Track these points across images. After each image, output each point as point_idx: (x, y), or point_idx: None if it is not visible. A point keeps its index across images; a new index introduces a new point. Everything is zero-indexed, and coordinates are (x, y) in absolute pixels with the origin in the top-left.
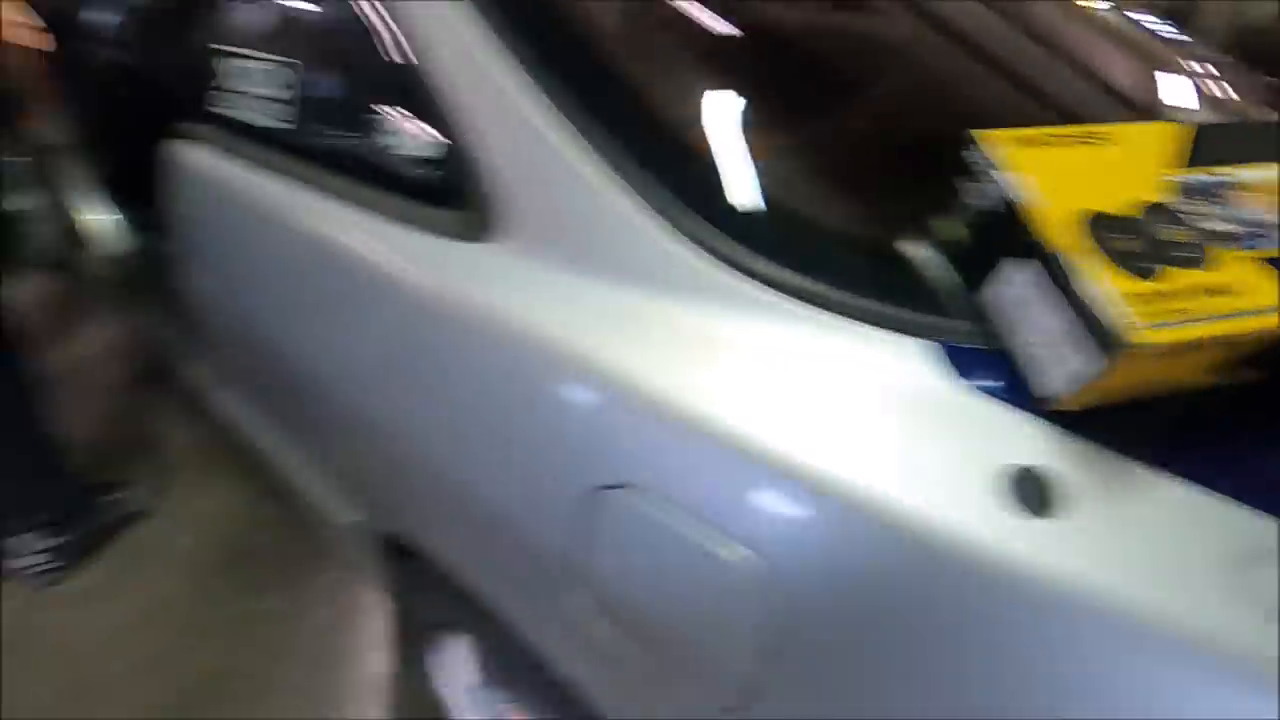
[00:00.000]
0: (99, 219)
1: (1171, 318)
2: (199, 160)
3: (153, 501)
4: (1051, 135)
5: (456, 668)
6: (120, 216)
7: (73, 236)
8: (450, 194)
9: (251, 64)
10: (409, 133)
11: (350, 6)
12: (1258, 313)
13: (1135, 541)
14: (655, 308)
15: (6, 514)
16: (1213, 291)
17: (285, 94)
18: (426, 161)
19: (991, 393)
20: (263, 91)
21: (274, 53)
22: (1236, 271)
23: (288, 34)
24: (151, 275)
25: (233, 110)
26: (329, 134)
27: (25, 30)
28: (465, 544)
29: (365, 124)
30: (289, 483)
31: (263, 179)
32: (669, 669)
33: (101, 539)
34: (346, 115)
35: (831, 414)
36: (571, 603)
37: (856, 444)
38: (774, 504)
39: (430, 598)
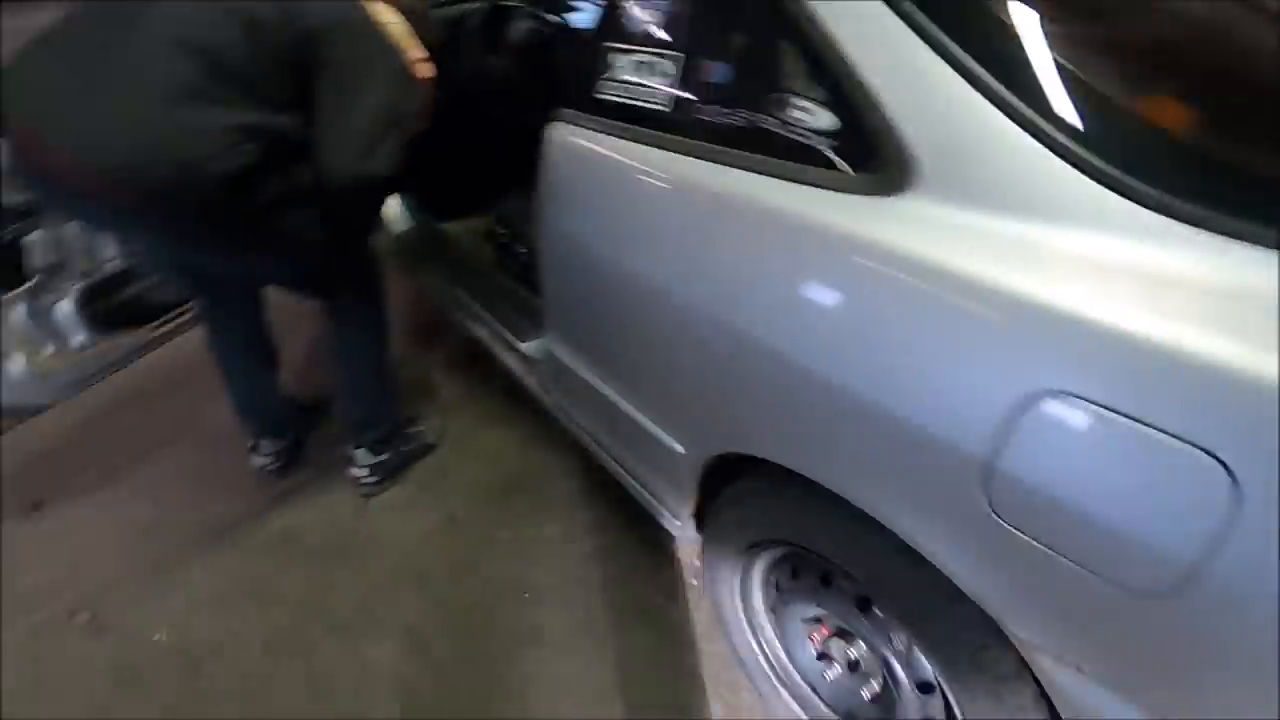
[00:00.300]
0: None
1: None
2: (584, 140)
3: (440, 437)
4: None
5: (759, 585)
6: (404, 200)
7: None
8: (858, 156)
9: (640, 57)
10: (805, 105)
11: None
12: None
13: None
14: (1071, 238)
15: (352, 431)
16: None
17: (675, 81)
18: (826, 131)
19: None
20: (651, 81)
21: (660, 47)
22: None
23: (671, 28)
24: (432, 248)
25: (619, 96)
26: (725, 113)
27: (425, 64)
28: (849, 458)
29: (761, 101)
30: (621, 423)
31: (655, 154)
32: (1087, 560)
33: (407, 463)
34: (742, 95)
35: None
36: (974, 507)
37: None
38: (1234, 412)
39: (751, 515)
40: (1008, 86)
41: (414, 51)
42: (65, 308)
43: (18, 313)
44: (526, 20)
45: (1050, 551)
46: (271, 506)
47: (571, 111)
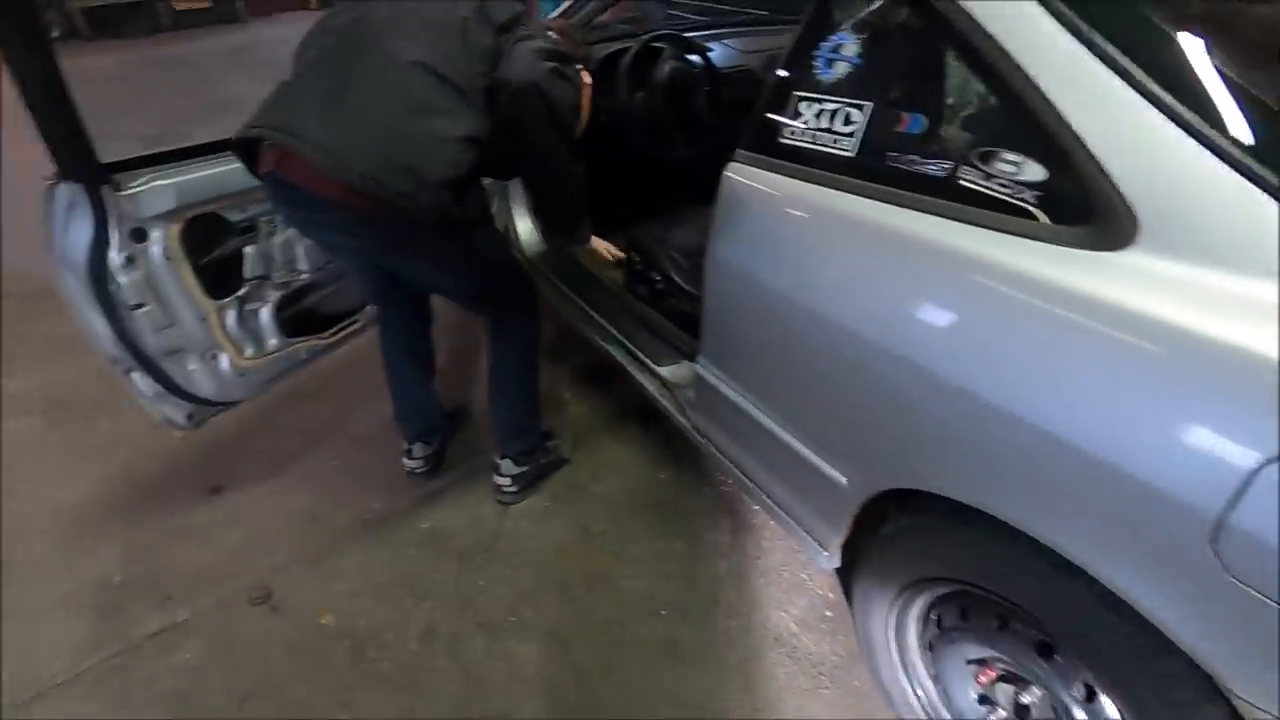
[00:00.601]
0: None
1: None
2: (763, 181)
3: (572, 451)
4: None
5: (916, 621)
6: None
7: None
8: (1067, 207)
9: (827, 105)
10: (1009, 156)
11: (937, 51)
12: None
13: None
14: None
15: (500, 441)
16: None
17: (863, 127)
18: (1032, 182)
19: None
20: (837, 127)
21: (849, 95)
22: None
23: (860, 76)
24: (563, 268)
25: (803, 141)
26: (916, 160)
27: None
28: (1056, 506)
29: (956, 149)
30: (775, 451)
31: (842, 198)
32: None
33: (544, 474)
34: (935, 143)
35: None
36: (1202, 563)
37: None
38: None
39: (921, 552)
40: (1225, 136)
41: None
42: (265, 314)
43: (229, 317)
44: (673, 62)
45: None
46: (420, 506)
47: (751, 154)
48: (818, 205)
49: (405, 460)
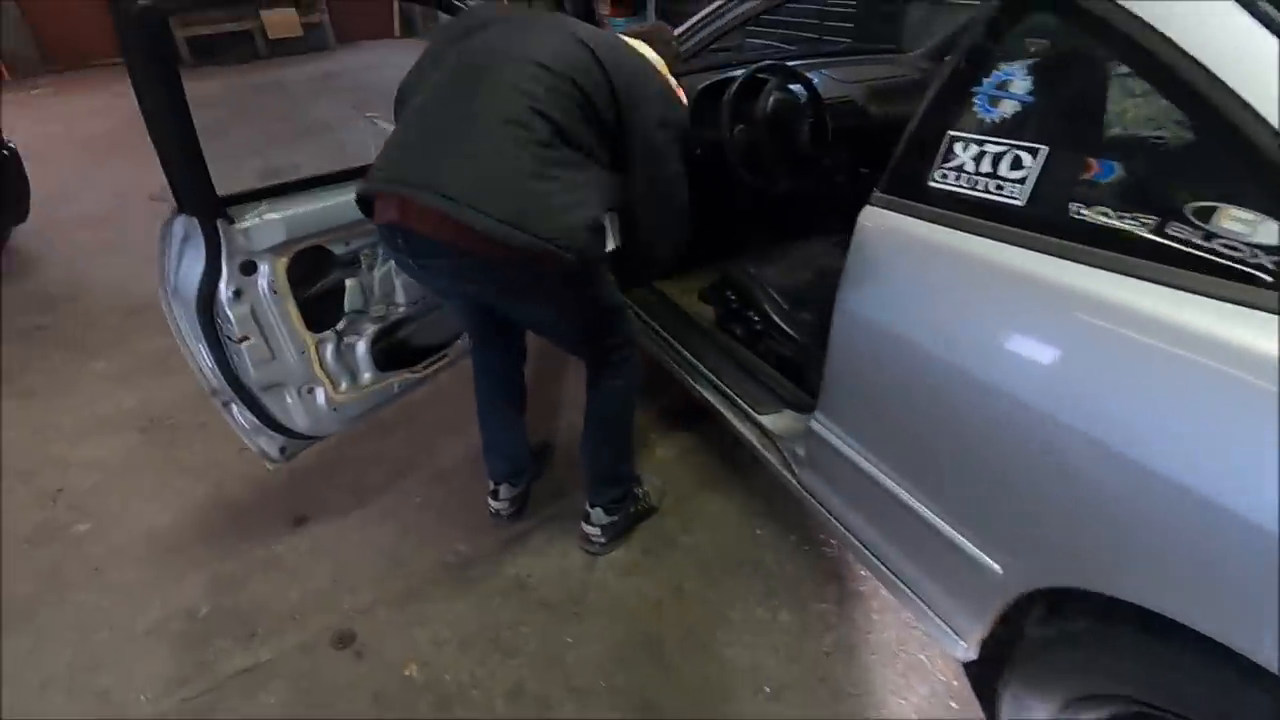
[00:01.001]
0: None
1: None
2: (911, 228)
3: (661, 499)
4: None
5: None
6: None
7: None
8: None
9: (993, 147)
10: (1242, 215)
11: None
12: None
13: None
14: None
15: (591, 487)
16: None
17: (1041, 174)
18: (1268, 245)
19: None
20: (1008, 172)
21: (1025, 138)
22: None
23: (1038, 117)
24: (651, 303)
25: (962, 186)
26: (1111, 215)
27: None
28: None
29: (1162, 203)
30: (910, 526)
31: (1013, 252)
32: None
33: (633, 525)
34: (1133, 195)
35: None
36: None
37: None
38: None
39: (1096, 663)
40: None
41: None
42: (361, 347)
43: (328, 350)
44: (778, 93)
45: None
46: (505, 551)
47: (893, 197)
48: (980, 259)
49: (491, 501)
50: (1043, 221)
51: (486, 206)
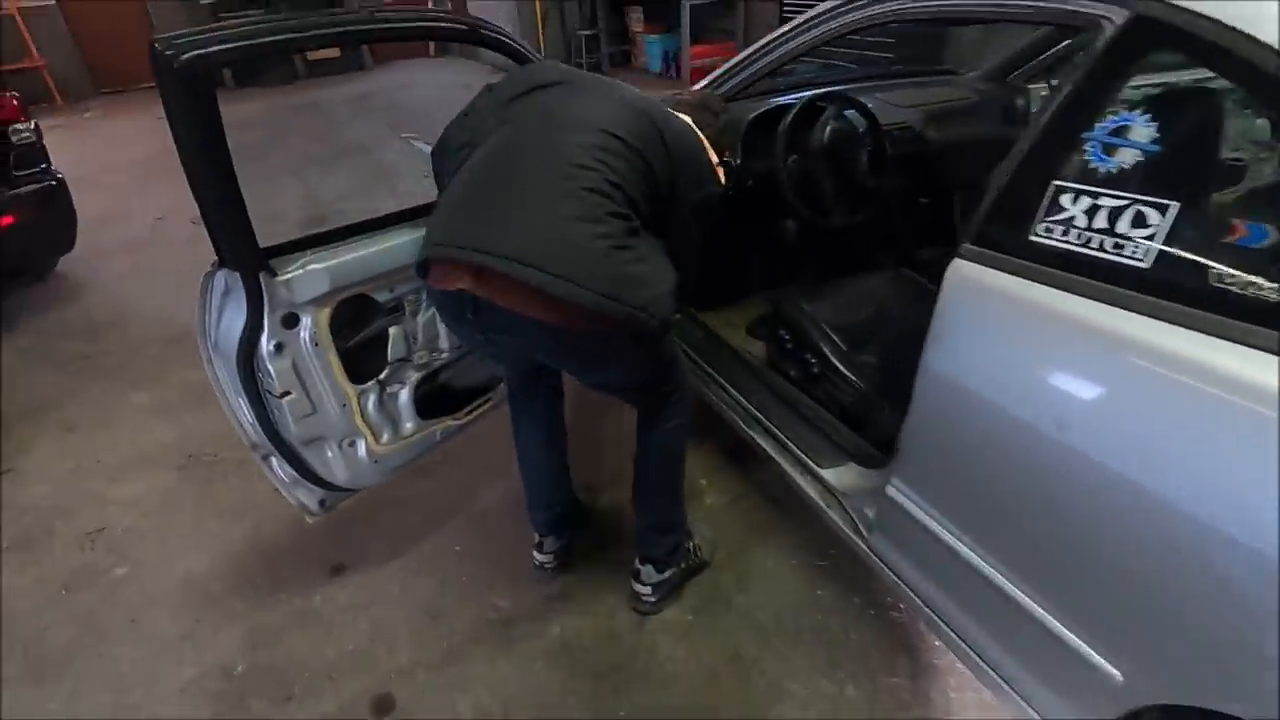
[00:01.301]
0: None
1: None
2: (1009, 286)
3: (713, 552)
4: None
5: None
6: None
7: None
8: None
9: (1106, 200)
10: None
11: None
12: None
13: None
14: None
15: (643, 540)
16: None
17: (1164, 233)
18: None
19: None
20: (1124, 229)
21: (1141, 191)
22: None
23: (1159, 169)
24: (699, 339)
25: (1065, 242)
26: (1262, 286)
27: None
28: None
29: None
30: (1006, 613)
31: (1136, 321)
32: None
33: (685, 580)
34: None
35: None
36: None
37: None
38: None
39: None
40: None
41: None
42: (404, 396)
43: (370, 401)
44: (835, 122)
45: None
46: (548, 608)
47: (986, 251)
48: (1096, 325)
49: (536, 554)
50: (1175, 289)
51: (586, 281)
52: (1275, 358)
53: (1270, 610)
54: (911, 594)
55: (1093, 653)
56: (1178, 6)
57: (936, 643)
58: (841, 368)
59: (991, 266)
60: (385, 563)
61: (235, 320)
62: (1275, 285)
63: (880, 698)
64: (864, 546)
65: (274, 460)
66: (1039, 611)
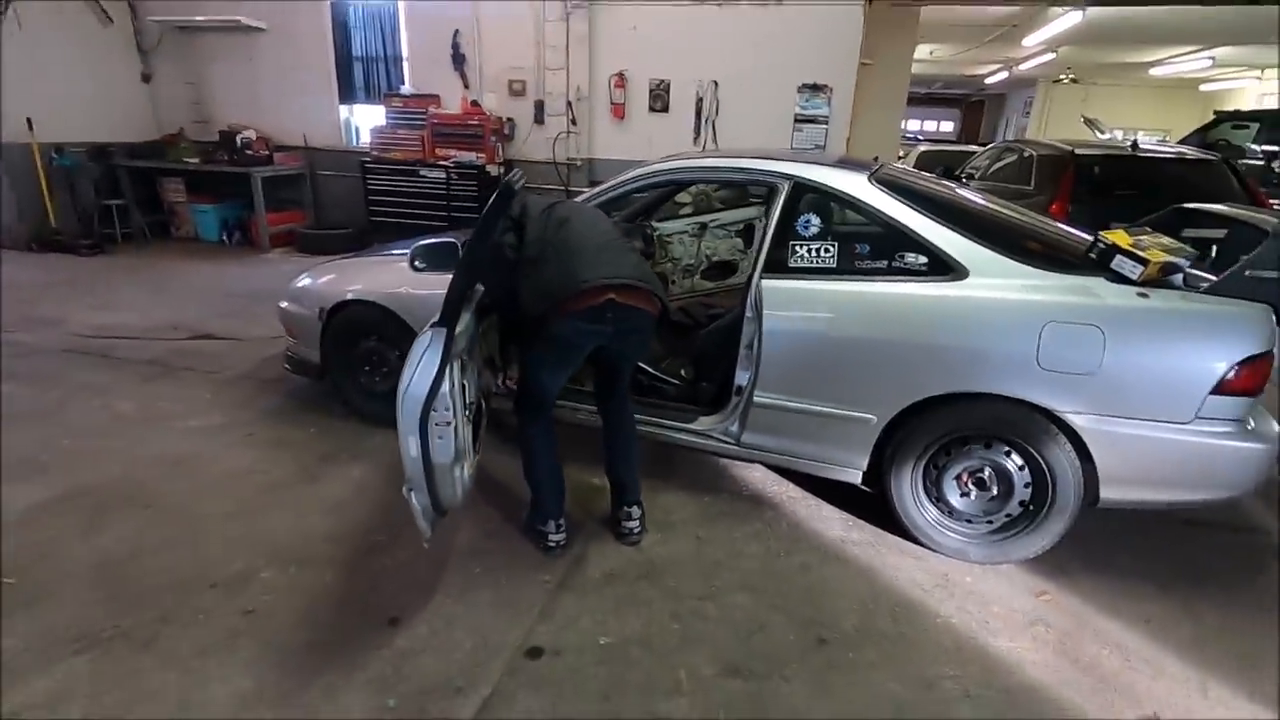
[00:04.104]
0: None
1: None
2: (782, 282)
3: None
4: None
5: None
6: None
7: None
8: (929, 267)
9: (806, 245)
10: (906, 249)
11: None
12: None
13: None
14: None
15: (636, 488)
16: None
17: (832, 248)
18: (910, 256)
19: None
20: (821, 248)
21: (819, 238)
22: None
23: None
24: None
25: (802, 261)
26: (864, 259)
27: None
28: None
29: (882, 251)
30: (814, 417)
31: (829, 285)
32: None
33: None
34: (866, 250)
35: None
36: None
37: None
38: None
39: (926, 424)
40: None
41: None
42: (466, 428)
43: (467, 429)
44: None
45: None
46: (584, 557)
47: (772, 274)
48: (821, 288)
49: (551, 537)
50: (841, 270)
51: (656, 288)
52: (867, 280)
53: (911, 359)
54: (763, 455)
55: (863, 414)
56: (809, 180)
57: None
58: (669, 378)
59: (776, 279)
60: (439, 607)
61: (430, 368)
62: (872, 259)
63: (760, 527)
64: (735, 447)
65: (415, 494)
66: (837, 411)
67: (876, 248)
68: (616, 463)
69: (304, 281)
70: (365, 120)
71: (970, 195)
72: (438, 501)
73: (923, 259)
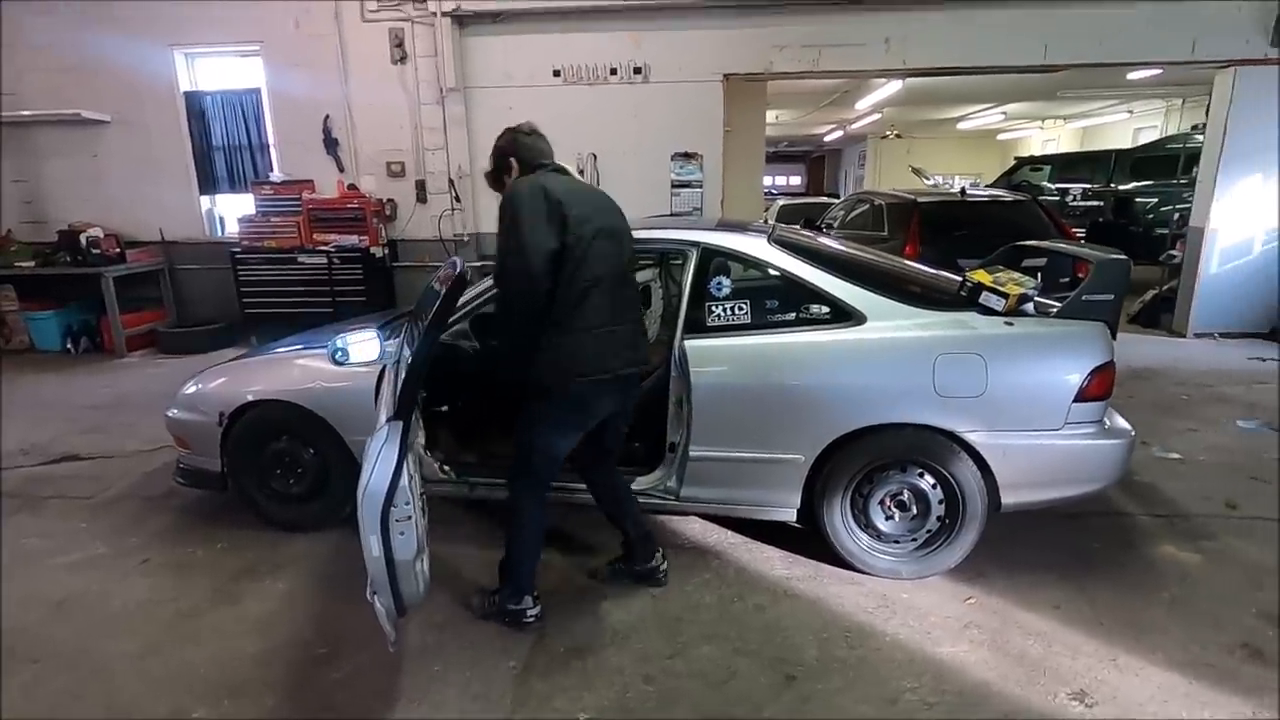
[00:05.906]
0: None
1: None
2: (702, 341)
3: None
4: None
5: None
6: None
7: None
8: (831, 315)
9: (720, 305)
10: (810, 301)
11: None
12: None
13: None
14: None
15: (651, 538)
16: None
17: (745, 306)
18: (815, 307)
19: None
20: (735, 307)
21: (731, 299)
22: None
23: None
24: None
25: (719, 319)
26: (775, 314)
27: None
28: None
29: (789, 305)
30: (749, 464)
31: (747, 340)
32: None
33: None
34: (775, 305)
35: None
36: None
37: None
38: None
39: (854, 454)
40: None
41: None
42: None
43: (423, 522)
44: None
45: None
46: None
47: (693, 334)
48: (731, 343)
49: (528, 613)
50: (755, 325)
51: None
52: (778, 331)
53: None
54: (702, 506)
55: (793, 455)
56: (715, 245)
57: (730, 536)
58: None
59: (697, 339)
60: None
61: (388, 463)
62: (779, 312)
63: (697, 583)
64: (674, 501)
65: (379, 597)
66: (768, 455)
67: (784, 302)
68: (631, 517)
69: (194, 387)
70: (231, 210)
71: (853, 248)
72: (400, 601)
73: (825, 309)
